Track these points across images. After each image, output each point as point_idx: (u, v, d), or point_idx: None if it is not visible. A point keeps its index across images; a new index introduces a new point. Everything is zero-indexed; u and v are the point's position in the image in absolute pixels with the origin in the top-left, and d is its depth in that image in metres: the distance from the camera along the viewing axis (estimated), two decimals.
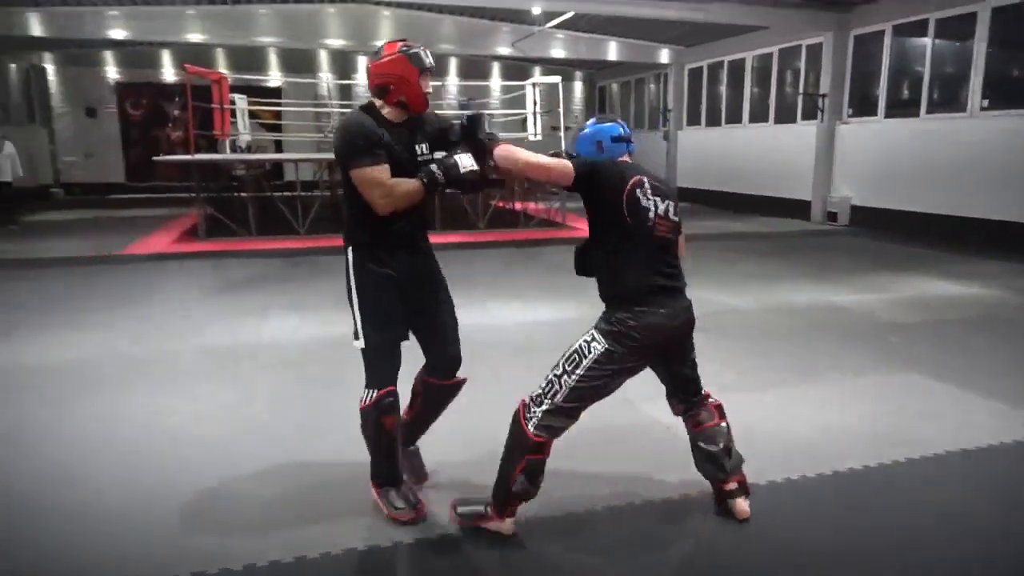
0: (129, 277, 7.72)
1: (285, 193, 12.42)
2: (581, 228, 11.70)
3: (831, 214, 12.55)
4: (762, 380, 4.42)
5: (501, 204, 12.72)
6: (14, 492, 3.00)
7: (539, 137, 11.82)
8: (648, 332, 2.51)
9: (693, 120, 16.98)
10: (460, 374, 2.94)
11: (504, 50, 16.23)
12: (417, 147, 2.70)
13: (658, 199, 2.58)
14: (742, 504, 2.76)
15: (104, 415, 3.83)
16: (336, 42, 15.59)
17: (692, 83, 16.95)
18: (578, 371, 2.50)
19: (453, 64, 20.17)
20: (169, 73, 18.55)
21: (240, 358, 4.83)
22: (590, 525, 2.76)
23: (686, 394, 2.80)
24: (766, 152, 14.09)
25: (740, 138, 15.00)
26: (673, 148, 17.45)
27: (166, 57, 18.42)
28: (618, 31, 15.73)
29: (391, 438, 2.72)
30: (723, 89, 15.70)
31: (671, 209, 2.62)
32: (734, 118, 15.30)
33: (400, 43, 2.62)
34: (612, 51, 16.60)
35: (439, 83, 19.37)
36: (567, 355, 2.56)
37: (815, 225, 12.48)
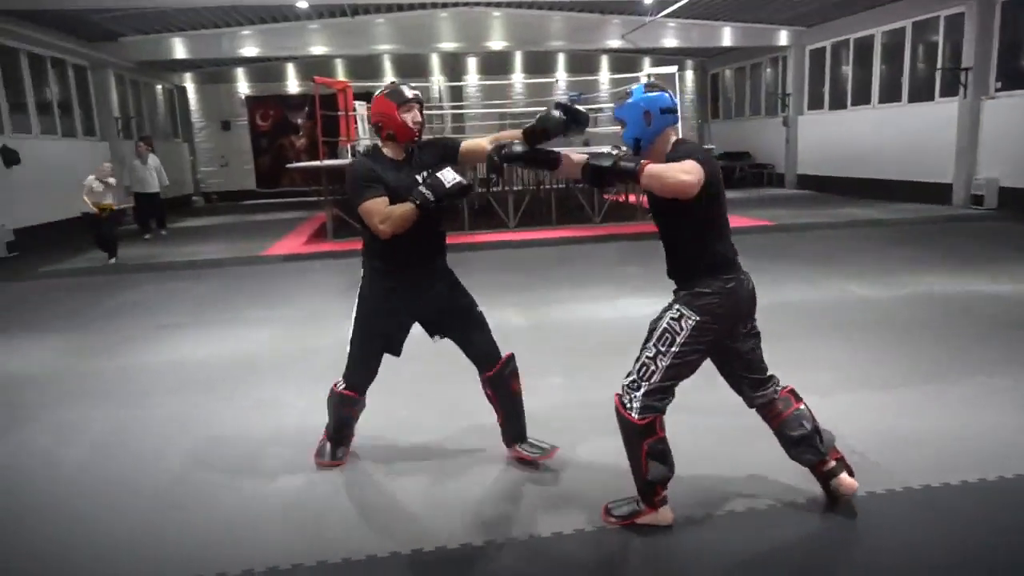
0: (271, 277, 8.25)
1: None
2: None
3: (976, 197, 11.61)
4: (910, 376, 4.15)
5: (616, 198, 12.62)
6: (192, 478, 3.29)
7: None
8: (733, 300, 2.56)
9: (815, 104, 16.17)
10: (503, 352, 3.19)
11: (614, 43, 16.09)
12: (419, 177, 2.86)
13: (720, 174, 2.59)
14: (847, 479, 2.68)
15: (267, 404, 4.11)
16: (448, 45, 15.98)
17: (814, 65, 16.14)
18: (673, 348, 2.54)
19: (561, 60, 20.20)
20: (293, 85, 19.65)
21: None
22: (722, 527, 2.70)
23: (754, 373, 2.70)
24: (898, 133, 13.21)
25: (868, 120, 14.14)
26: (793, 134, 16.68)
27: (291, 70, 19.52)
28: (733, 15, 15.23)
29: (345, 421, 3.27)
30: (848, 69, 14.86)
31: None
32: (861, 99, 14.44)
33: (385, 88, 2.93)
34: (727, 37, 16.09)
35: (550, 79, 19.51)
36: (657, 335, 2.58)
37: (957, 209, 11.59)
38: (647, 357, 2.57)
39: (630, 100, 2.59)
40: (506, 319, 5.51)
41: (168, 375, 4.74)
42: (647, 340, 2.61)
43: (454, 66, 19.74)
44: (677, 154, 2.49)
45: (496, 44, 15.91)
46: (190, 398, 4.28)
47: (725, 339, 2.61)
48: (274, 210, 16.52)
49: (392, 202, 2.79)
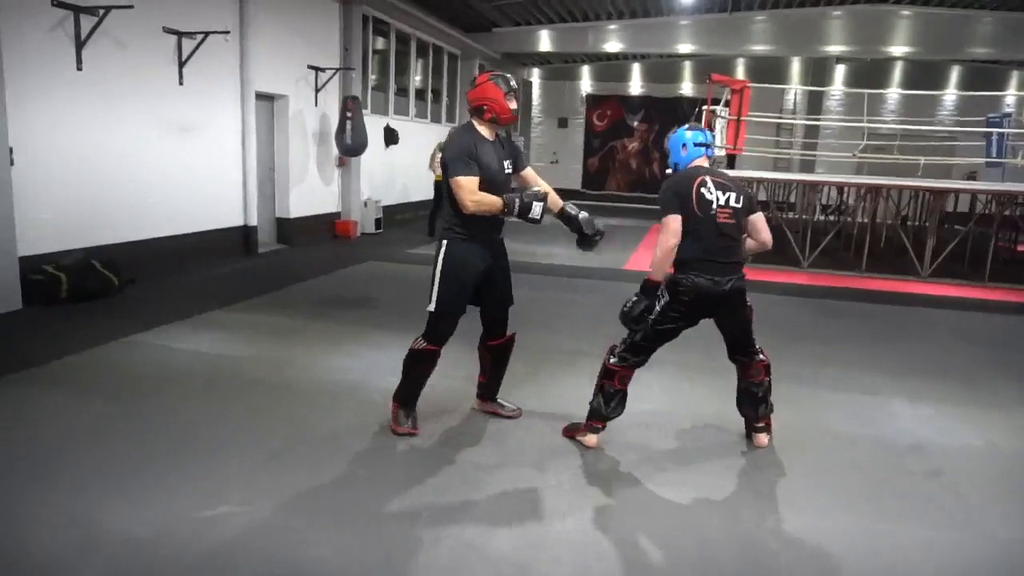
0: None
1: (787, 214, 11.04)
2: None
3: None
4: None
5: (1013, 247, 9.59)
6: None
7: None
8: (695, 291, 3.27)
9: None
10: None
11: None
12: (504, 162, 3.49)
13: (720, 192, 3.32)
14: (762, 438, 3.56)
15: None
16: (834, 48, 13.76)
17: None
18: (651, 317, 3.33)
19: (954, 72, 16.78)
20: (636, 86, 18.77)
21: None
22: None
23: (738, 352, 3.52)
24: None
25: None
26: None
27: (635, 70, 18.66)
28: None
29: (419, 378, 3.60)
30: None
31: (732, 199, 3.34)
32: None
33: (489, 73, 3.51)
34: None
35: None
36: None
37: None
38: (644, 323, 3.36)
39: (673, 136, 3.54)
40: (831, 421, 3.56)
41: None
42: None
43: (818, 73, 17.32)
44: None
45: (897, 49, 13.32)
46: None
47: (698, 317, 3.36)
48: (600, 214, 15.71)
49: (481, 176, 3.31)
